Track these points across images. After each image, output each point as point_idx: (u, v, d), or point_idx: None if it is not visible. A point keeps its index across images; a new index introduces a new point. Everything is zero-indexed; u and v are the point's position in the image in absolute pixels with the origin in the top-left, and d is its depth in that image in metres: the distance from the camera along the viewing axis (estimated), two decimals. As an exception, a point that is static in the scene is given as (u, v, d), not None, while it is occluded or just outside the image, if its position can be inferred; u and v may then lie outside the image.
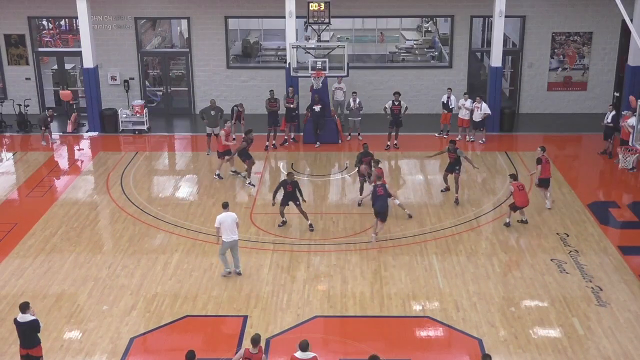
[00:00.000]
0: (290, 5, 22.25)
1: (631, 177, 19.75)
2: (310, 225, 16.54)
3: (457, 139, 22.39)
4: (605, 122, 20.87)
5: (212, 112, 21.37)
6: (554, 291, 13.95)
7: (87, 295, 13.99)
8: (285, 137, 22.55)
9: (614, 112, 20.73)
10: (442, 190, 18.74)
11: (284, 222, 16.77)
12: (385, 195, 15.87)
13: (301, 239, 16.23)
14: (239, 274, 14.59)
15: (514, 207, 16.70)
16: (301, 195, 16.56)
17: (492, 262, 15.12)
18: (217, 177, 19.57)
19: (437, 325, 12.99)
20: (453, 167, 18.06)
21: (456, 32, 24.73)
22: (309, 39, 24.45)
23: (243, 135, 19.46)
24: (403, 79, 25.13)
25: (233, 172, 19.88)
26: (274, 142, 22.05)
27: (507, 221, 16.78)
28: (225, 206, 14.48)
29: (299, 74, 22.38)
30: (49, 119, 22.41)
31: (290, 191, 16.39)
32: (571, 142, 22.86)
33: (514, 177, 16.93)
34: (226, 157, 19.48)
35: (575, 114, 24.97)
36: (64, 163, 21.65)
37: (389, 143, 21.90)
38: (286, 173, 17.80)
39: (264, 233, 16.53)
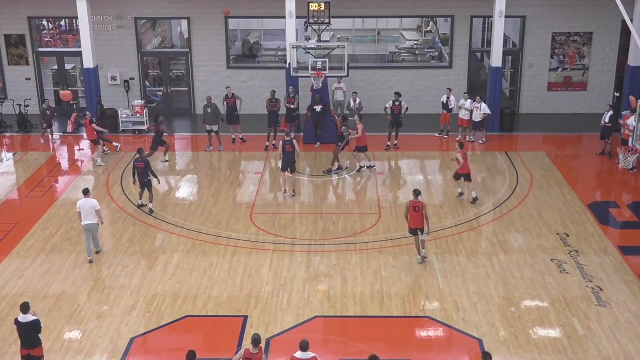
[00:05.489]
0: (290, 5, 22.25)
1: (631, 177, 19.74)
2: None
3: (457, 139, 22.45)
4: (602, 122, 20.86)
5: (208, 110, 21.37)
6: (554, 291, 13.95)
7: (87, 295, 13.99)
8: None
9: (611, 112, 20.70)
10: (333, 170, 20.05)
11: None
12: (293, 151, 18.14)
13: (301, 238, 16.23)
14: (98, 252, 15.55)
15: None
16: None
17: (492, 262, 15.11)
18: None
19: (437, 325, 12.98)
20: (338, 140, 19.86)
21: (456, 32, 24.71)
22: (309, 39, 24.42)
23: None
24: (403, 79, 25.12)
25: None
26: (274, 142, 22.05)
27: None
28: (85, 192, 15.21)
29: (299, 74, 22.37)
30: (47, 111, 22.37)
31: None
32: (571, 142, 22.85)
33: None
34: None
35: (575, 114, 24.98)
36: (64, 163, 21.65)
37: (388, 143, 21.90)
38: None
39: (264, 233, 16.52)
